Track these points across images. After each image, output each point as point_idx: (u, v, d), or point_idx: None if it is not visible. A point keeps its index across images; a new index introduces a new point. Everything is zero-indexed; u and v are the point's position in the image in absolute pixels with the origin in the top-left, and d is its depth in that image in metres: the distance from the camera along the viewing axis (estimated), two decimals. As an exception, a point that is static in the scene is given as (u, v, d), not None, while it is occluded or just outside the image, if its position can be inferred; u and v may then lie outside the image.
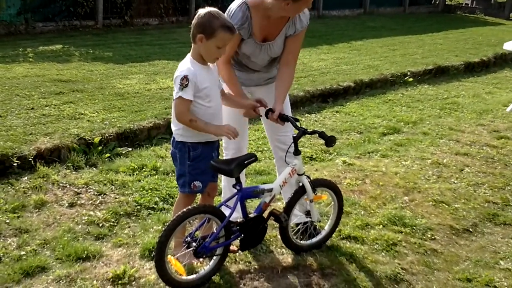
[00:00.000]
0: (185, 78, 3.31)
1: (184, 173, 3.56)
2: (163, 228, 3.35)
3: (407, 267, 3.86)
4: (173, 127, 3.56)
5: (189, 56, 3.47)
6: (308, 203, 3.92)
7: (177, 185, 3.78)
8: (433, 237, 4.30)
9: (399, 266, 3.86)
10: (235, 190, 3.57)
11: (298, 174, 3.82)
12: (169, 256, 3.34)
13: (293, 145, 3.76)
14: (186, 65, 3.41)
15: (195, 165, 3.53)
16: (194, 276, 3.51)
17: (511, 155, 6.17)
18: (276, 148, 4.18)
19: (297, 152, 3.77)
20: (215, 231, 3.49)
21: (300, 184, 3.85)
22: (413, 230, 4.36)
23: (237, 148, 4.09)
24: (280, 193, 4.00)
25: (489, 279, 3.75)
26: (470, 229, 4.49)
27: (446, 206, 4.83)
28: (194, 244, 3.40)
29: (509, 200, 5.03)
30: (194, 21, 3.39)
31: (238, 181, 3.52)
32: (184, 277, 3.44)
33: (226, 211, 3.56)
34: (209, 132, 3.46)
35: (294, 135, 3.73)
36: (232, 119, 3.82)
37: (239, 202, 3.55)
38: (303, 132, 3.69)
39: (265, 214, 3.74)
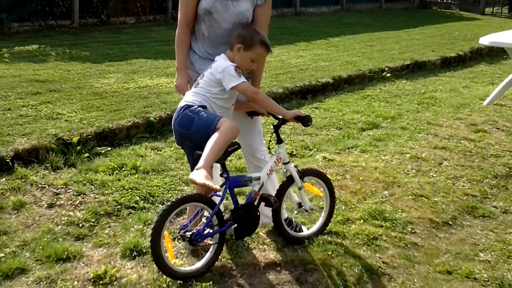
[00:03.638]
0: (238, 67, 3.51)
1: (212, 119, 3.46)
2: (162, 207, 3.38)
3: (388, 261, 3.89)
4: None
5: (224, 57, 3.60)
6: (298, 192, 3.98)
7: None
8: (413, 231, 4.34)
9: (380, 260, 3.88)
10: (222, 181, 3.63)
11: (284, 163, 3.89)
12: (165, 232, 3.32)
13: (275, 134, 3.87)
14: (226, 62, 3.56)
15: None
16: (194, 266, 3.54)
17: (488, 148, 6.24)
18: (249, 162, 4.16)
19: (279, 141, 3.87)
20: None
21: (288, 174, 3.91)
22: (394, 224, 4.39)
23: None
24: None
25: (469, 271, 3.79)
26: (450, 222, 4.53)
27: (426, 199, 4.87)
28: (188, 233, 3.41)
29: (488, 192, 5.09)
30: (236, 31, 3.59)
31: (225, 170, 3.57)
32: (181, 267, 3.49)
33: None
34: (279, 112, 3.71)
35: (274, 124, 3.84)
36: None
37: (228, 190, 3.59)
38: (282, 120, 3.80)
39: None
